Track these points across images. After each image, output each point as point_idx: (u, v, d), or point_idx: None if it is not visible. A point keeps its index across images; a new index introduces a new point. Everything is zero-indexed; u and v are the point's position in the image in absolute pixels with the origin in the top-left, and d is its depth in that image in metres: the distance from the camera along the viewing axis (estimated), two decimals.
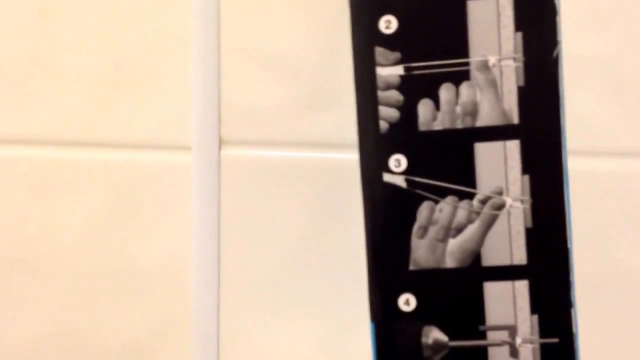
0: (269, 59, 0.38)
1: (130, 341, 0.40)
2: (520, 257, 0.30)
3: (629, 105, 0.37)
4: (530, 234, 0.30)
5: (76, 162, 0.39)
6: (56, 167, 0.39)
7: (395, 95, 0.30)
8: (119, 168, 0.39)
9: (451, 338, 0.30)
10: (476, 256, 0.30)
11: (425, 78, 0.30)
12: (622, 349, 0.38)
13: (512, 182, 0.30)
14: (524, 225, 0.30)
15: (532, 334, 0.30)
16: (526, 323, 0.30)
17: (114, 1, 0.38)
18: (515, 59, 0.29)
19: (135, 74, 0.38)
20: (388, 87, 0.30)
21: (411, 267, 0.30)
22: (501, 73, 0.30)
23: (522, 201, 0.30)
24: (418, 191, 0.30)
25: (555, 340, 0.30)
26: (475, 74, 0.30)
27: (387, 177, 0.30)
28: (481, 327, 0.30)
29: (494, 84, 0.30)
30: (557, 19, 0.29)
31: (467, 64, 0.30)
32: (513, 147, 0.30)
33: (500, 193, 0.30)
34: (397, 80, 0.30)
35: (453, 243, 0.30)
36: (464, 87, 0.30)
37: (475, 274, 0.30)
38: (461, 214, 0.30)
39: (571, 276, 0.30)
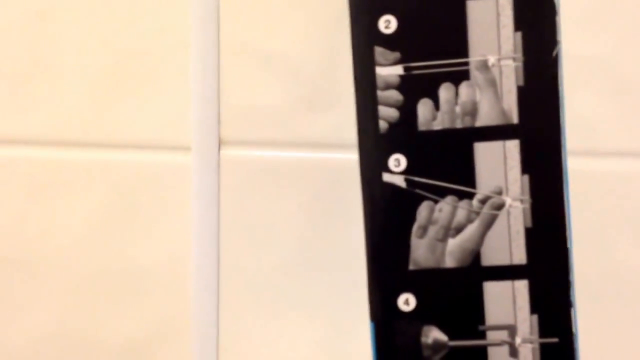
0: (269, 59, 0.38)
1: (130, 341, 0.40)
2: (519, 256, 0.30)
3: (629, 105, 0.37)
4: (529, 233, 0.30)
5: (76, 163, 0.39)
6: (56, 167, 0.39)
7: (394, 95, 0.30)
8: (119, 168, 0.39)
9: (451, 338, 0.30)
10: (476, 256, 0.30)
11: (424, 78, 0.30)
12: (622, 349, 0.38)
13: (511, 182, 0.30)
14: (524, 225, 0.30)
15: (531, 333, 0.30)
16: (526, 323, 0.30)
17: (114, 2, 0.38)
18: (514, 59, 0.29)
19: (134, 74, 0.38)
20: (387, 86, 0.30)
21: (411, 267, 0.30)
22: (501, 73, 0.30)
23: (521, 201, 0.30)
24: (418, 191, 0.30)
25: (555, 340, 0.30)
26: (474, 73, 0.30)
27: (386, 177, 0.30)
28: (481, 327, 0.30)
29: (493, 84, 0.30)
30: (557, 18, 0.29)
31: (466, 63, 0.30)
32: (512, 146, 0.30)
33: (499, 193, 0.30)
34: (396, 80, 0.30)
35: (453, 243, 0.30)
36: (464, 87, 0.30)
37: (474, 273, 0.30)
38: (461, 214, 0.30)
39: (571, 276, 0.30)
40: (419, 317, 0.30)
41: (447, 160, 0.30)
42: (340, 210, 0.38)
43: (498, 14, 0.29)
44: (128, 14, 0.38)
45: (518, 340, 0.30)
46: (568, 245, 0.30)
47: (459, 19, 0.30)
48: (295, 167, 0.38)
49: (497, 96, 0.30)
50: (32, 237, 0.40)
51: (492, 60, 0.30)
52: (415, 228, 0.30)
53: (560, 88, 0.29)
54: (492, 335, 0.30)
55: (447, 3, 0.30)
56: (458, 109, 0.30)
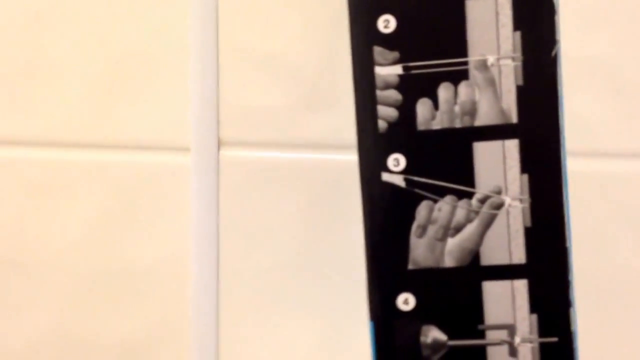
0: (268, 59, 0.38)
1: (129, 342, 0.40)
2: (519, 256, 0.30)
3: (629, 105, 0.37)
4: (529, 233, 0.30)
5: (75, 164, 0.39)
6: (55, 168, 0.39)
7: (394, 95, 0.30)
8: (118, 169, 0.39)
9: (450, 337, 0.30)
10: (475, 255, 0.30)
11: (423, 77, 0.30)
12: (622, 349, 0.38)
13: (511, 182, 0.30)
14: (523, 224, 0.30)
15: (531, 333, 0.30)
16: (525, 322, 0.30)
17: (113, 2, 0.38)
18: (513, 58, 0.29)
19: (134, 75, 0.38)
20: (387, 86, 0.30)
21: (410, 267, 0.30)
22: (500, 72, 0.30)
23: (521, 200, 0.30)
24: (417, 190, 0.30)
25: (555, 339, 0.30)
26: (473, 73, 0.30)
27: (385, 177, 0.30)
28: (480, 326, 0.30)
29: (492, 83, 0.30)
30: (556, 18, 0.29)
31: (465, 63, 0.30)
32: (512, 146, 0.30)
33: (499, 192, 0.30)
34: (395, 80, 0.30)
35: (452, 242, 0.30)
36: (463, 87, 0.30)
37: (474, 273, 0.30)
38: (460, 213, 0.30)
39: (570, 275, 0.30)
40: (419, 316, 0.30)
41: (446, 160, 0.30)
42: (340, 211, 0.38)
43: (497, 14, 0.29)
44: (127, 15, 0.38)
45: (517, 339, 0.30)
46: (567, 245, 0.30)
47: (458, 19, 0.30)
48: (294, 167, 0.38)
49: (496, 96, 0.30)
50: (31, 237, 0.40)
51: (491, 59, 0.30)
52: (414, 227, 0.30)
53: (559, 87, 0.29)
54: (491, 335, 0.30)
55: (446, 3, 0.30)
56: (457, 108, 0.30)
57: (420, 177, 0.30)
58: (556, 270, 0.30)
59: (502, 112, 0.30)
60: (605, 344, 0.38)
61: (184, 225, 0.39)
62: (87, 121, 0.39)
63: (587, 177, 0.37)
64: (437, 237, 0.30)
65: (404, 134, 0.30)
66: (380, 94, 0.30)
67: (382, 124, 0.30)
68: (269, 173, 0.38)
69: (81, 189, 0.39)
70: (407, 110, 0.30)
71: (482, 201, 0.30)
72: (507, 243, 0.30)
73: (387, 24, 0.30)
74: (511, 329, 0.30)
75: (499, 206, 0.30)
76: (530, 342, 0.30)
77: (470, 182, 0.30)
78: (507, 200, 0.30)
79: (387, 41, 0.30)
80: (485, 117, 0.30)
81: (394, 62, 0.30)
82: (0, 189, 0.39)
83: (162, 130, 0.38)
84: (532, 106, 0.30)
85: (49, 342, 0.40)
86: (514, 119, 0.30)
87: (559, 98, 0.29)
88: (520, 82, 0.30)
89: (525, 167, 0.30)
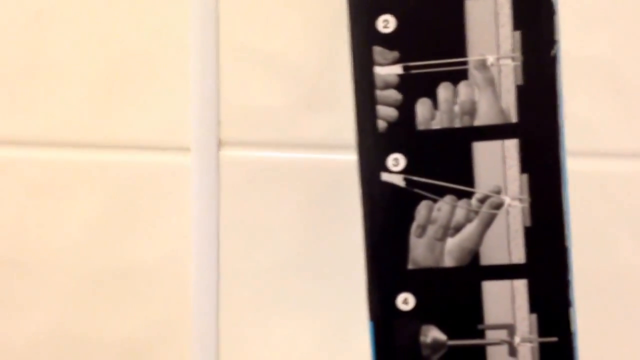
0: (268, 59, 0.38)
1: (130, 342, 0.40)
2: (518, 256, 0.30)
3: (629, 105, 0.37)
4: (528, 232, 0.30)
5: (75, 164, 0.39)
6: (55, 168, 0.39)
7: (393, 95, 0.30)
8: (118, 169, 0.39)
9: (450, 337, 0.30)
10: (475, 255, 0.30)
11: (423, 77, 0.30)
12: (622, 349, 0.38)
13: (510, 181, 0.30)
14: (523, 224, 0.30)
15: (530, 333, 0.30)
16: (525, 322, 0.30)
17: (113, 3, 0.38)
18: (513, 58, 0.29)
19: (134, 75, 0.38)
20: (386, 86, 0.30)
21: (410, 266, 0.30)
22: (499, 72, 0.30)
23: (520, 200, 0.30)
24: (416, 190, 0.30)
25: (554, 339, 0.30)
26: (473, 73, 0.30)
27: (385, 177, 0.30)
28: (480, 326, 0.30)
29: (492, 83, 0.30)
30: (555, 17, 0.29)
31: (465, 63, 0.30)
32: (511, 146, 0.30)
33: (498, 192, 0.30)
34: (395, 80, 0.30)
35: (451, 242, 0.30)
36: (462, 86, 0.30)
37: (473, 273, 0.30)
38: (460, 213, 0.30)
39: (570, 275, 0.30)
40: (418, 316, 0.30)
41: (445, 160, 0.30)
42: (340, 211, 0.38)
43: (497, 13, 0.29)
44: (127, 15, 0.38)
45: (517, 339, 0.30)
46: (567, 245, 0.30)
47: (458, 18, 0.30)
48: (294, 167, 0.38)
49: (496, 95, 0.30)
50: (31, 237, 0.40)
51: (490, 59, 0.30)
52: (414, 227, 0.30)
53: (559, 87, 0.29)
54: (491, 335, 0.30)
55: (445, 2, 0.30)
56: (457, 108, 0.30)
57: (420, 177, 0.30)
58: (556, 270, 0.30)
59: (502, 112, 0.30)
60: (605, 344, 0.38)
61: (184, 225, 0.39)
62: (87, 121, 0.39)
63: (587, 177, 0.37)
64: (437, 237, 0.30)
65: (403, 133, 0.30)
66: (379, 93, 0.30)
67: (381, 124, 0.30)
68: (269, 173, 0.38)
69: (81, 189, 0.39)
70: (406, 110, 0.30)
71: (482, 201, 0.30)
72: (507, 243, 0.30)
73: (386, 24, 0.30)
74: (511, 329, 0.30)
75: (499, 206, 0.30)
76: (530, 342, 0.30)
77: (470, 181, 0.30)
78: (507, 200, 0.30)
79: (386, 41, 0.30)
80: (484, 116, 0.30)
81: (394, 62, 0.30)
82: (0, 189, 0.39)
83: (162, 130, 0.38)
84: (532, 106, 0.30)
85: (50, 342, 0.40)
86: (514, 118, 0.30)
87: (559, 98, 0.29)
88: (520, 82, 0.30)
89: (524, 166, 0.30)
